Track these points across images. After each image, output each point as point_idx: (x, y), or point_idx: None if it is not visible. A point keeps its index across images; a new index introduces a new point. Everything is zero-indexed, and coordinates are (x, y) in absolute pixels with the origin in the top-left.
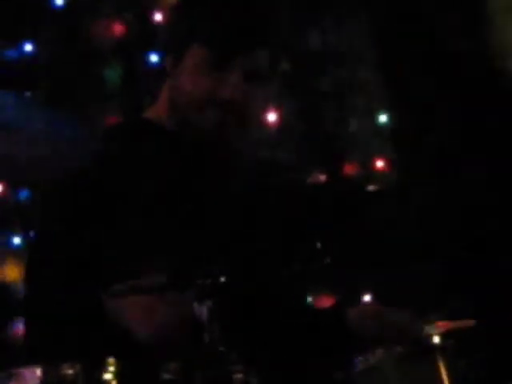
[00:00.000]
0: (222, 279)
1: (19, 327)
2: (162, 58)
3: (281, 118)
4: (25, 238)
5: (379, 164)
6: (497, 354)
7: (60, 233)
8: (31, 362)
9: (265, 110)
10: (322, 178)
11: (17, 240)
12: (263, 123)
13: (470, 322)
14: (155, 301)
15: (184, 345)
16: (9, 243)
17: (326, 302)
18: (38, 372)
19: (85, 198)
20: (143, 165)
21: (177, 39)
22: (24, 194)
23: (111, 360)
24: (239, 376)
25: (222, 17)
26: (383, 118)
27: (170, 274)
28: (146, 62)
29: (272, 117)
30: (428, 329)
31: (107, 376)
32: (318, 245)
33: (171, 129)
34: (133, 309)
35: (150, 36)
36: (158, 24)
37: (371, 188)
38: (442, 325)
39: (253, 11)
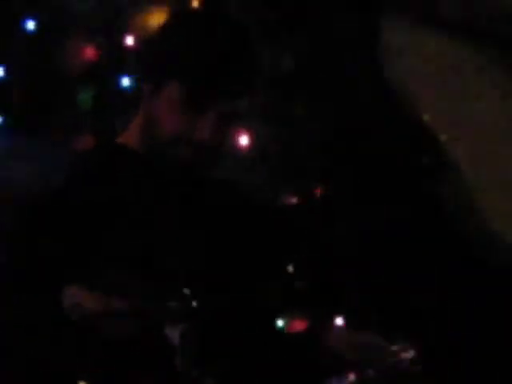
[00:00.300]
0: (194, 303)
1: None
2: (133, 81)
3: (253, 140)
4: None
5: None
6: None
7: (27, 254)
8: None
9: (237, 134)
10: (294, 200)
11: None
12: (235, 147)
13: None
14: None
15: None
16: None
17: (299, 325)
18: None
19: (56, 220)
20: (116, 188)
21: (154, 71)
22: None
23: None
24: None
25: (203, 59)
26: None
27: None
28: (118, 86)
29: (244, 140)
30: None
31: None
32: (290, 268)
33: (143, 155)
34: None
35: (121, 60)
36: (130, 48)
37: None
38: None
39: (236, 57)
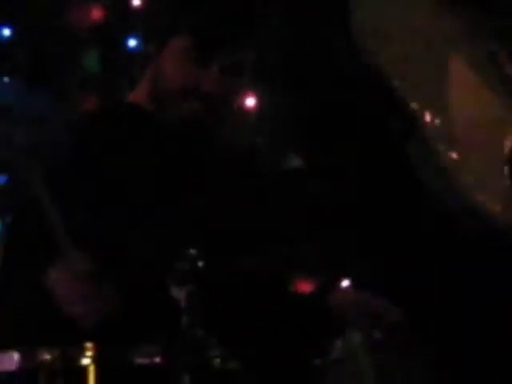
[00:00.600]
0: (201, 263)
1: None
2: (140, 42)
3: (259, 102)
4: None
5: None
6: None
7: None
8: (8, 346)
9: (243, 96)
10: (300, 163)
11: None
12: (241, 108)
13: None
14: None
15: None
16: None
17: (305, 286)
18: (16, 357)
19: (65, 179)
20: (124, 147)
21: (161, 27)
22: (2, 180)
23: (89, 345)
24: (218, 361)
25: (207, 9)
26: None
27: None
28: (125, 47)
29: (250, 101)
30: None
31: (85, 361)
32: (298, 230)
33: (152, 112)
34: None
35: (128, 20)
36: (137, 8)
37: None
38: None
39: (240, 6)
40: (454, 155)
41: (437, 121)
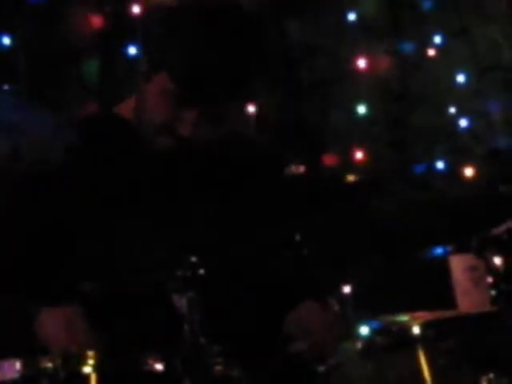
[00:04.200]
0: (202, 271)
1: None
2: (140, 50)
3: (260, 109)
4: None
5: (358, 155)
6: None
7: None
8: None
9: None
10: (301, 168)
11: None
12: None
13: (450, 312)
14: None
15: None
16: None
17: None
18: (18, 365)
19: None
20: (110, 160)
21: (154, 57)
22: None
23: (90, 353)
24: (220, 368)
25: (198, 62)
26: (362, 110)
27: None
28: (125, 55)
29: (250, 108)
30: (407, 319)
31: (86, 369)
32: (297, 236)
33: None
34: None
35: (128, 28)
36: (137, 17)
37: (349, 179)
38: (422, 315)
39: (232, 68)
40: None
41: None
